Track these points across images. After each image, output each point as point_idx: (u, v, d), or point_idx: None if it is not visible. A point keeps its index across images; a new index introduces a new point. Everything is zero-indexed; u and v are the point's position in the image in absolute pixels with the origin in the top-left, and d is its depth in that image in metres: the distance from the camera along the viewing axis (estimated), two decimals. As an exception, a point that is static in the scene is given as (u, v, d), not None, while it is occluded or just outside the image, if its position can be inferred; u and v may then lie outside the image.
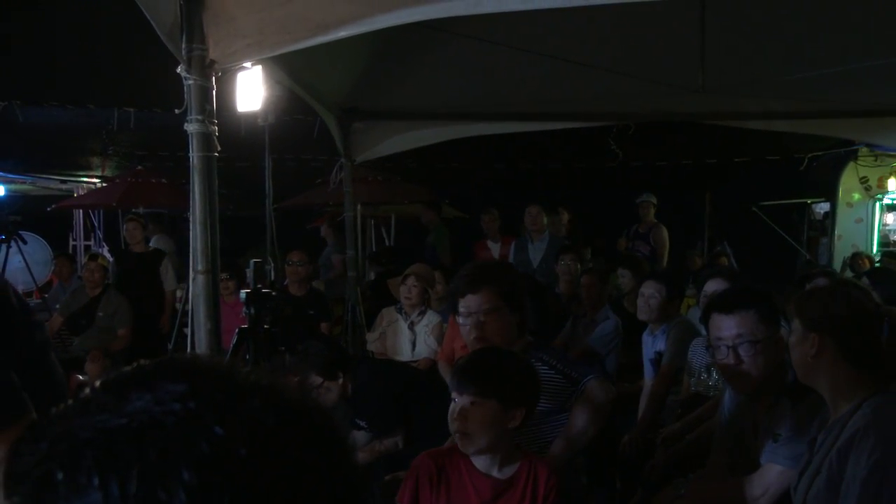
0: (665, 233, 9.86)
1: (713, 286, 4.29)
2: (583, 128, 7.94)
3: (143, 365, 0.69)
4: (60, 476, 0.60)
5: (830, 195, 12.67)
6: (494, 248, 8.69)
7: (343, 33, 3.20)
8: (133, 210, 12.35)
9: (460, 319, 3.19)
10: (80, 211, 13.78)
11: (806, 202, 13.19)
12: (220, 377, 0.68)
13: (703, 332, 5.09)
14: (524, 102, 6.88)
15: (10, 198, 15.88)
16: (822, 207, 13.19)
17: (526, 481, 2.60)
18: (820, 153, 11.62)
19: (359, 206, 9.29)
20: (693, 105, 6.81)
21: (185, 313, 5.95)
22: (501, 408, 2.57)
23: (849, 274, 9.74)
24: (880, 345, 2.34)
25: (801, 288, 5.62)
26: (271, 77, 4.86)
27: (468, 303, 3.14)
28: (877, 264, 10.26)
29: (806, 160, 11.38)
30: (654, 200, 9.93)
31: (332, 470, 0.67)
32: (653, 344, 5.02)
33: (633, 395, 5.15)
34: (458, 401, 2.57)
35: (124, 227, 9.37)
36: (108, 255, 10.82)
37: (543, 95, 6.64)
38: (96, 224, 13.56)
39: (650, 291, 4.99)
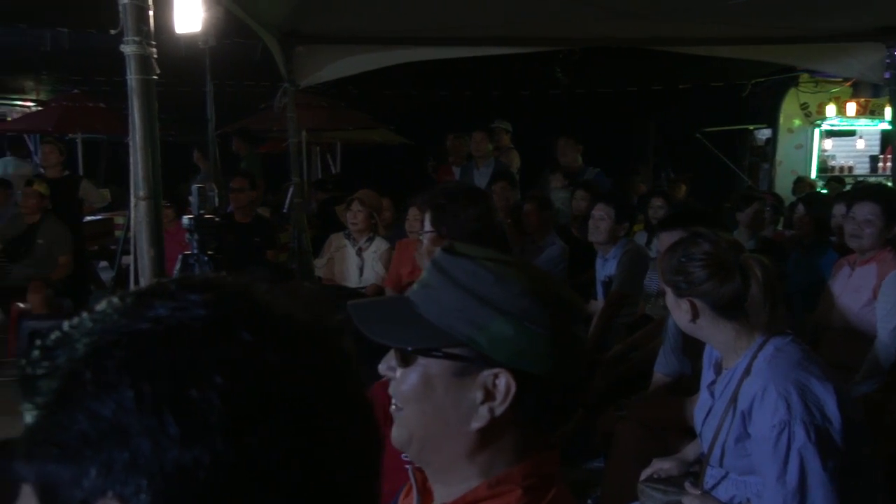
0: (516, 156, 9.74)
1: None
2: (527, 53, 7.88)
3: (159, 281, 0.68)
4: (88, 375, 0.60)
5: (771, 121, 12.85)
6: (457, 173, 8.63)
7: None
8: (70, 136, 12.06)
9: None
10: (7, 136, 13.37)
11: (748, 128, 13.36)
12: (240, 290, 0.67)
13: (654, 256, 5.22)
14: (470, 27, 6.80)
15: (-60, 122, 15.38)
16: (764, 134, 13.39)
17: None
18: (762, 79, 11.74)
19: (303, 133, 9.17)
20: (638, 31, 6.79)
21: (126, 241, 5.86)
22: None
23: (792, 198, 9.93)
24: (746, 294, 2.36)
25: (739, 209, 5.76)
26: (211, -3, 4.73)
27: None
28: (820, 189, 10.49)
29: (748, 87, 11.49)
30: (508, 127, 9.81)
31: (348, 391, 0.68)
32: (604, 267, 5.11)
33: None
34: None
35: (40, 150, 9.12)
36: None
37: (490, 20, 6.55)
38: (32, 149, 13.19)
39: (600, 214, 5.05)
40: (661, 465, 2.78)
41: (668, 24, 6.34)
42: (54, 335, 0.64)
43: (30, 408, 0.62)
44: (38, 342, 0.64)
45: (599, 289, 5.19)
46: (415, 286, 1.29)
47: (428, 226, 3.07)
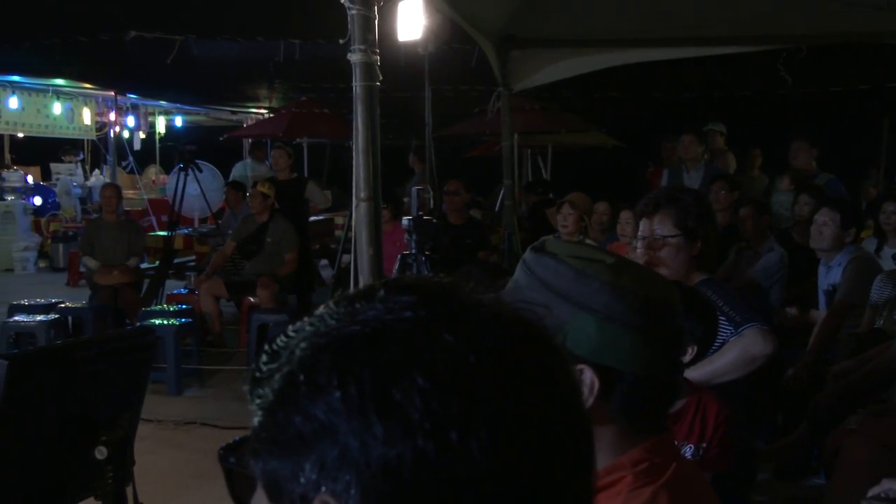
0: (732, 159, 9.24)
1: None
2: (748, 52, 7.56)
3: (372, 283, 0.73)
4: (302, 377, 0.65)
5: None
6: (665, 177, 8.44)
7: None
8: (297, 140, 12.79)
9: (635, 242, 3.14)
10: (249, 140, 14.38)
11: None
12: (445, 290, 0.70)
13: (884, 264, 4.89)
14: (686, 26, 6.62)
15: (187, 128, 16.84)
16: None
17: (695, 414, 2.54)
18: None
19: (515, 136, 9.26)
20: (877, 24, 6.34)
21: (347, 240, 6.15)
22: None
23: None
24: None
25: None
26: (432, 5, 4.88)
27: (643, 226, 3.09)
28: None
29: None
30: (723, 129, 9.30)
31: (553, 389, 0.68)
32: (827, 275, 4.86)
33: (799, 328, 5.00)
34: None
35: (271, 154, 9.70)
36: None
37: (707, 18, 6.36)
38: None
39: (823, 219, 4.81)
40: (892, 486, 2.59)
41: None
42: (279, 340, 0.69)
43: (255, 408, 0.68)
44: (266, 346, 0.70)
45: (822, 298, 4.93)
46: (509, 284, 1.31)
47: (671, 229, 3.01)
